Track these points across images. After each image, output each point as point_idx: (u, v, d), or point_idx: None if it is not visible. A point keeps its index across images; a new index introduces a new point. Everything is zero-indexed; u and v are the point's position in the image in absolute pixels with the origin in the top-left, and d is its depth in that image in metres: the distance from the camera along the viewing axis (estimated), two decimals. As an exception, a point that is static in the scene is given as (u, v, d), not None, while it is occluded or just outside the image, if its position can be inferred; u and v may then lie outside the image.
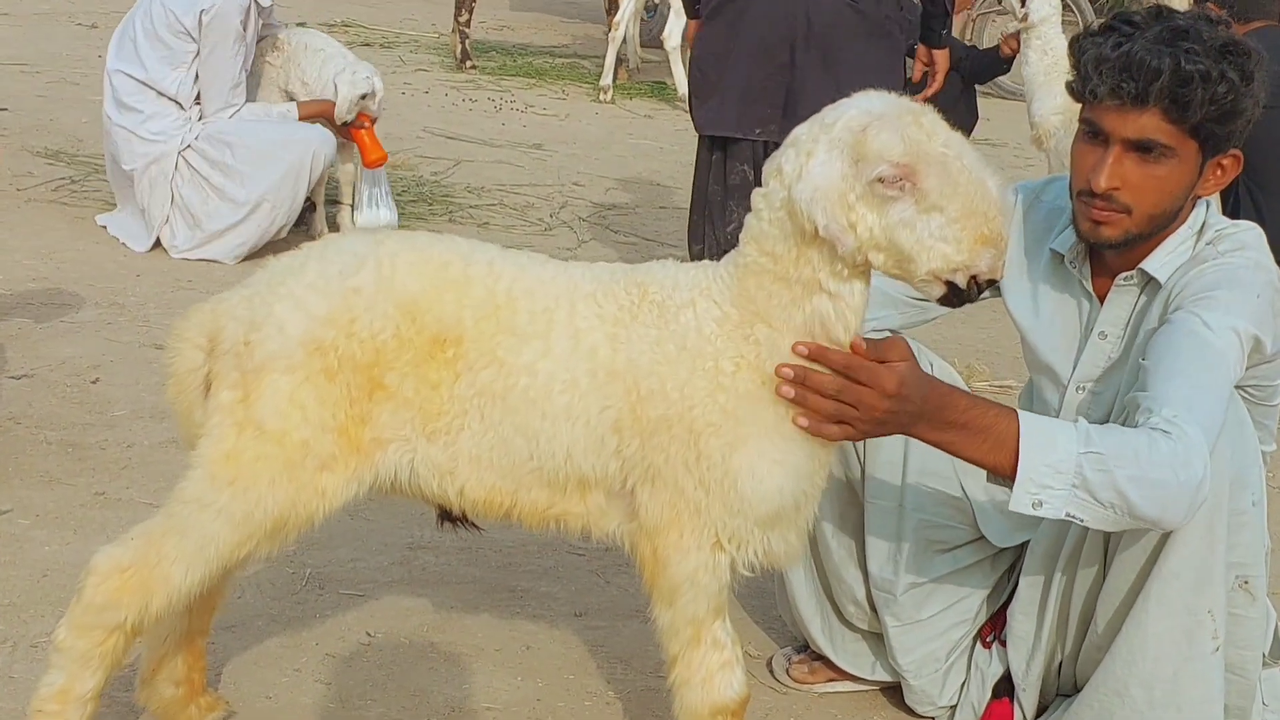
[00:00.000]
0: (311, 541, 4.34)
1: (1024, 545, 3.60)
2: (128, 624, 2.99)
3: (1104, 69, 3.18)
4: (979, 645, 3.70)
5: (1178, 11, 3.28)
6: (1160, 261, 3.33)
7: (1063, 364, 3.50)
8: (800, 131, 2.87)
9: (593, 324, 2.97)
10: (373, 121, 7.44)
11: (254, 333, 2.95)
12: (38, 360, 5.56)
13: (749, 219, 2.93)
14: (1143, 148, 3.20)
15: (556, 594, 4.21)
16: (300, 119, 7.32)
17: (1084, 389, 3.46)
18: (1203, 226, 3.36)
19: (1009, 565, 3.69)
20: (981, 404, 3.00)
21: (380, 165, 7.49)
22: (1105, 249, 3.35)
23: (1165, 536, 3.13)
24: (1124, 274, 3.38)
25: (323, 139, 7.16)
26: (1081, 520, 2.95)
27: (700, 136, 5.77)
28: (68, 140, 8.85)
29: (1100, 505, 2.91)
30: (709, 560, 3.01)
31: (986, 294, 3.55)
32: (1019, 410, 3.01)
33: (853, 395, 2.86)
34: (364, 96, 7.35)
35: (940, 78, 6.30)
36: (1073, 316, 3.50)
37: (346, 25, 14.27)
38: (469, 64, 12.54)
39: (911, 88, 6.22)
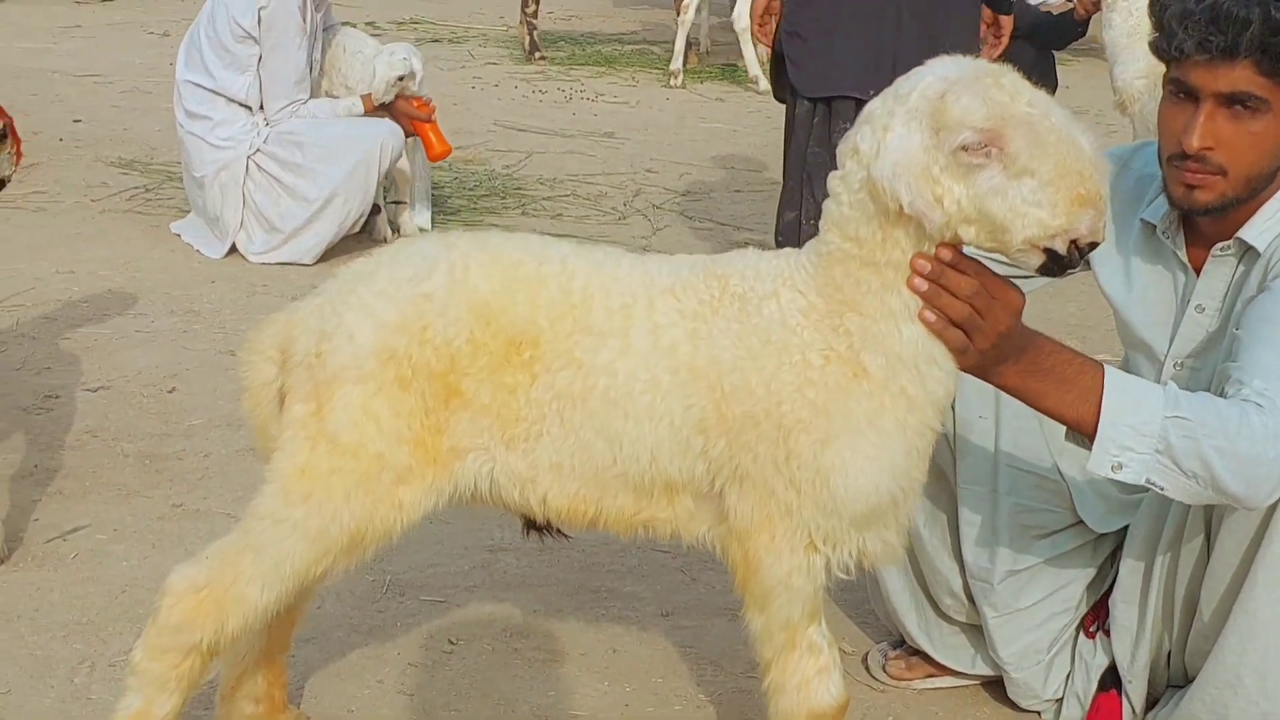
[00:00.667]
0: (390, 547, 4.22)
1: (1125, 530, 3.47)
2: (204, 645, 2.92)
3: (1189, 23, 3.04)
4: (1082, 635, 3.57)
5: None
6: (1258, 229, 3.18)
7: (1159, 339, 3.37)
8: (874, 106, 2.75)
9: (673, 319, 2.86)
10: (431, 109, 7.37)
11: (325, 343, 2.87)
12: (114, 371, 5.53)
13: (827, 204, 2.81)
14: (1236, 101, 3.06)
15: (641, 594, 4.11)
16: (366, 112, 7.25)
17: (1182, 365, 3.32)
18: None
19: (1111, 551, 3.55)
20: (1068, 352, 2.89)
21: (444, 158, 7.42)
22: (1200, 215, 3.21)
23: (1270, 516, 3.00)
24: (1220, 244, 3.23)
25: (390, 131, 7.11)
26: (1162, 488, 2.84)
27: (795, 101, 5.62)
28: (141, 149, 8.85)
29: (1183, 474, 2.80)
30: (803, 562, 2.91)
31: (1086, 262, 3.46)
32: (1106, 365, 2.89)
33: (984, 302, 2.73)
34: (401, 78, 7.25)
35: (1004, 40, 6.12)
36: (1168, 289, 3.36)
37: (415, 22, 14.25)
38: (538, 55, 12.46)
39: None
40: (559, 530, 3.10)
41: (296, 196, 7.02)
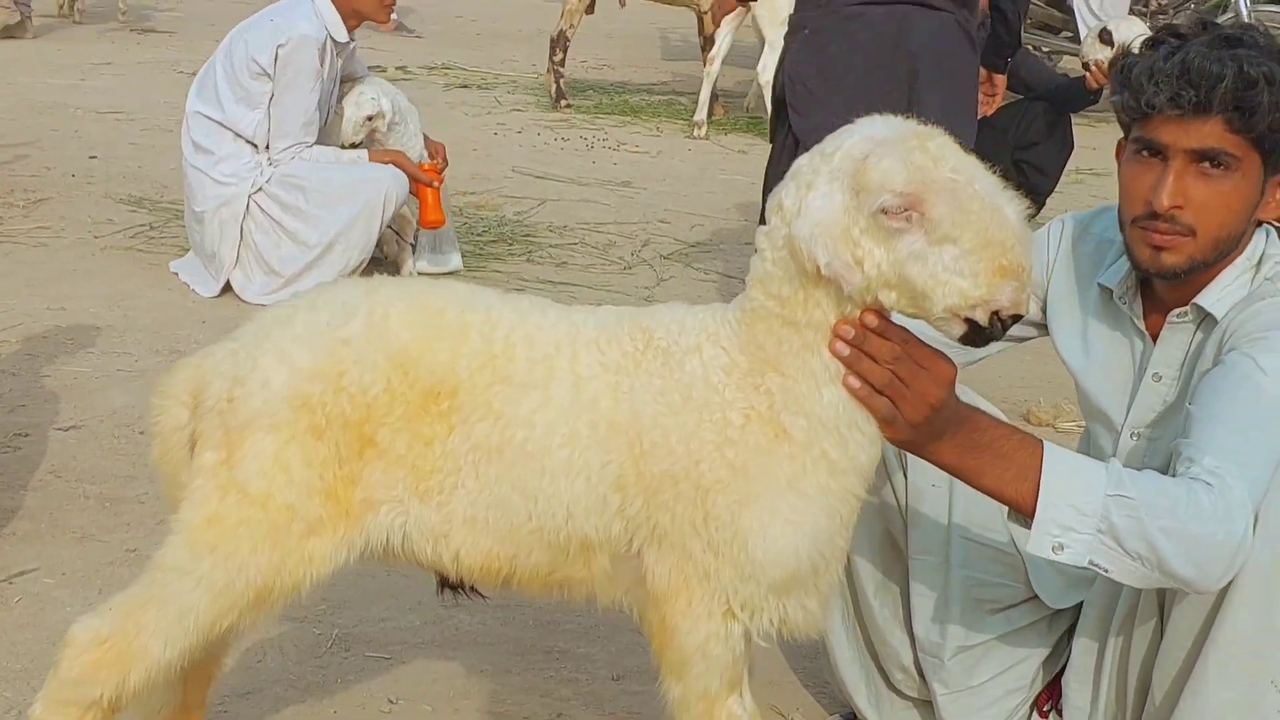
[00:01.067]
0: (343, 600, 4.18)
1: (1081, 606, 3.34)
2: (104, 700, 2.83)
3: (1160, 79, 2.94)
4: (1035, 714, 3.44)
5: (1220, 23, 3.04)
6: (1216, 296, 3.07)
7: (1116, 409, 3.24)
8: (802, 162, 2.65)
9: (595, 372, 2.76)
10: (441, 177, 7.29)
11: (238, 388, 2.78)
12: (89, 410, 5.45)
13: (753, 260, 2.71)
14: (1206, 158, 2.95)
15: (595, 656, 3.99)
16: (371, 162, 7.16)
17: (1139, 435, 3.20)
18: (1262, 258, 3.10)
19: (1067, 627, 3.42)
20: (1005, 427, 2.77)
21: (436, 228, 7.30)
22: (1167, 279, 3.08)
23: (1221, 599, 2.86)
24: (1178, 310, 3.11)
25: (394, 178, 7.01)
26: (1106, 571, 2.70)
27: (780, 140, 5.45)
28: (152, 187, 8.80)
29: (1128, 556, 2.67)
30: (720, 629, 2.79)
31: (1032, 334, 3.34)
32: (1046, 442, 2.76)
33: (908, 371, 2.61)
34: (370, 117, 7.17)
35: (998, 98, 6.37)
36: (1125, 357, 3.24)
37: (447, 68, 14.21)
38: (564, 103, 12.39)
39: None
40: (474, 589, 2.99)
41: (297, 241, 6.95)
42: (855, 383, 2.64)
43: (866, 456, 2.72)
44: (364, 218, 6.96)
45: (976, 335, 2.58)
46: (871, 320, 2.61)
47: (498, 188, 9.42)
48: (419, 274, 7.32)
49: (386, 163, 7.13)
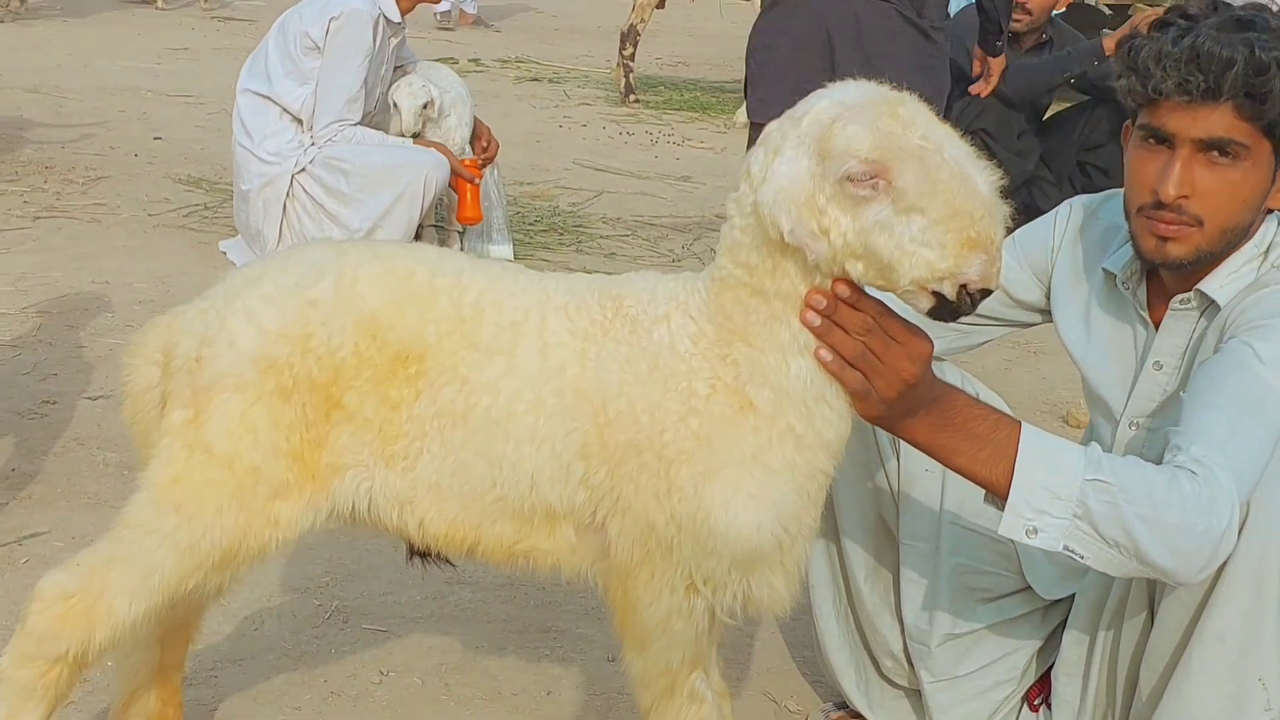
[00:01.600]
0: (347, 573, 4.17)
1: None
2: (70, 655, 2.80)
3: (1168, 63, 2.82)
4: (1026, 708, 3.37)
5: (1231, 4, 2.94)
6: (1220, 282, 2.97)
7: (1116, 397, 3.15)
8: (771, 128, 2.58)
9: (563, 339, 2.72)
10: (480, 173, 7.26)
11: (206, 348, 2.76)
12: (119, 381, 5.43)
13: (723, 227, 2.65)
14: (1214, 147, 2.85)
15: (592, 636, 3.95)
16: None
17: (1138, 424, 3.11)
18: (1270, 245, 2.99)
19: (1061, 620, 3.34)
20: (983, 407, 2.69)
21: (472, 224, 7.28)
22: (1173, 269, 2.98)
23: (1208, 594, 2.78)
24: (1180, 296, 3.02)
25: (436, 162, 6.98)
26: (1082, 558, 2.61)
27: (752, 124, 5.73)
28: (211, 169, 8.85)
29: (1104, 543, 2.58)
30: (683, 604, 2.74)
31: (1036, 320, 3.26)
32: (1024, 424, 2.68)
33: (880, 344, 2.54)
34: (425, 105, 7.14)
35: (994, 80, 6.76)
36: (1127, 344, 3.15)
37: (519, 61, 14.23)
38: (632, 98, 12.36)
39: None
40: (443, 557, 2.96)
41: (339, 224, 6.95)
42: (827, 355, 2.57)
43: (834, 432, 2.65)
44: (405, 202, 6.93)
45: (944, 309, 2.50)
46: (843, 290, 2.54)
47: (556, 179, 9.41)
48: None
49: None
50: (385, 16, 6.96)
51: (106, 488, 4.59)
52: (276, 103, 7.01)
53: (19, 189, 7.99)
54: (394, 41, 7.19)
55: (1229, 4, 2.95)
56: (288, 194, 6.97)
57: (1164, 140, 2.89)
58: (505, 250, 7.54)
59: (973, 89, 6.87)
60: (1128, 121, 3.02)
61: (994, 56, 6.58)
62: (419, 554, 2.97)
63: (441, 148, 7.13)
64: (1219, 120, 2.83)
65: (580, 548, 2.81)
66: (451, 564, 3.01)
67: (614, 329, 2.71)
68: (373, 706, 3.57)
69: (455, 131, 7.32)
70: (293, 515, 2.79)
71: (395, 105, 7.17)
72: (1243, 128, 2.83)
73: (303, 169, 6.96)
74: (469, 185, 7.15)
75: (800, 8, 5.66)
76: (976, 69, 6.75)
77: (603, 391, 2.68)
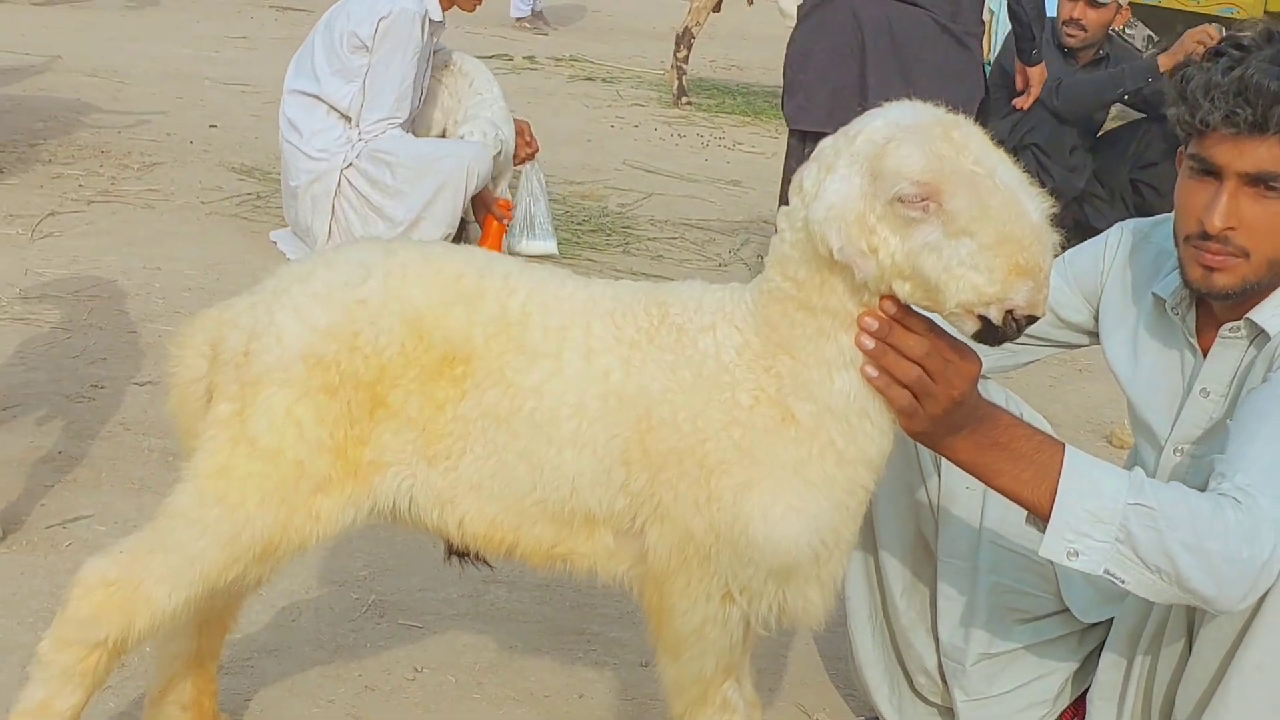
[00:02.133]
0: (385, 567, 4.19)
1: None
2: (110, 641, 2.82)
3: (1216, 95, 2.82)
4: (1059, 730, 3.37)
5: None
6: (1271, 311, 2.96)
7: (1161, 422, 3.15)
8: (825, 145, 2.59)
9: (608, 345, 2.73)
10: (510, 215, 7.35)
11: (254, 342, 2.78)
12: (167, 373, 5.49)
13: (773, 240, 2.66)
14: (1261, 181, 2.84)
15: (626, 641, 3.95)
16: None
17: (1182, 450, 3.10)
18: None
19: (1100, 643, 3.33)
20: (1026, 427, 2.69)
21: None
22: (1219, 300, 2.98)
23: (1249, 622, 2.77)
24: (1229, 324, 3.02)
25: (477, 154, 7.04)
26: (1123, 582, 2.61)
27: (790, 131, 6.06)
28: (266, 158, 8.88)
29: (1145, 568, 2.58)
30: (718, 612, 2.75)
31: (1084, 342, 3.26)
32: (1068, 445, 2.68)
33: (937, 364, 2.54)
34: (496, 155, 7.22)
35: (1035, 91, 6.76)
36: (1174, 370, 3.14)
37: (574, 60, 14.25)
38: (685, 100, 12.36)
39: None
40: (482, 559, 2.97)
41: (384, 217, 6.98)
42: (873, 371, 2.58)
43: (876, 448, 2.66)
44: (448, 192, 6.96)
45: (990, 334, 2.50)
46: (890, 307, 2.54)
47: (605, 179, 9.42)
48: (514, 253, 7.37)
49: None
50: (429, 16, 7.02)
51: (151, 473, 4.62)
52: (324, 101, 7.06)
53: (75, 172, 8.05)
54: (435, 39, 7.24)
55: None
56: (336, 190, 7.01)
57: (1211, 172, 2.89)
58: (549, 245, 7.54)
59: (1016, 102, 6.90)
60: (1181, 147, 3.02)
61: (1032, 66, 6.60)
62: (457, 553, 2.99)
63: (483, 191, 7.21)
64: (1266, 153, 2.83)
65: (618, 553, 2.82)
66: (489, 565, 3.02)
67: (659, 336, 2.72)
68: (406, 703, 3.58)
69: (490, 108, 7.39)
70: (334, 510, 2.80)
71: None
72: None
73: (349, 164, 7.00)
74: (496, 223, 7.23)
75: (835, 15, 5.82)
76: (1019, 83, 6.78)
77: (646, 398, 2.69)
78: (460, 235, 7.31)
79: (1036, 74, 6.66)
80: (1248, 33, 2.95)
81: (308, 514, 2.79)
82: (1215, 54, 2.90)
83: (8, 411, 4.90)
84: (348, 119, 7.05)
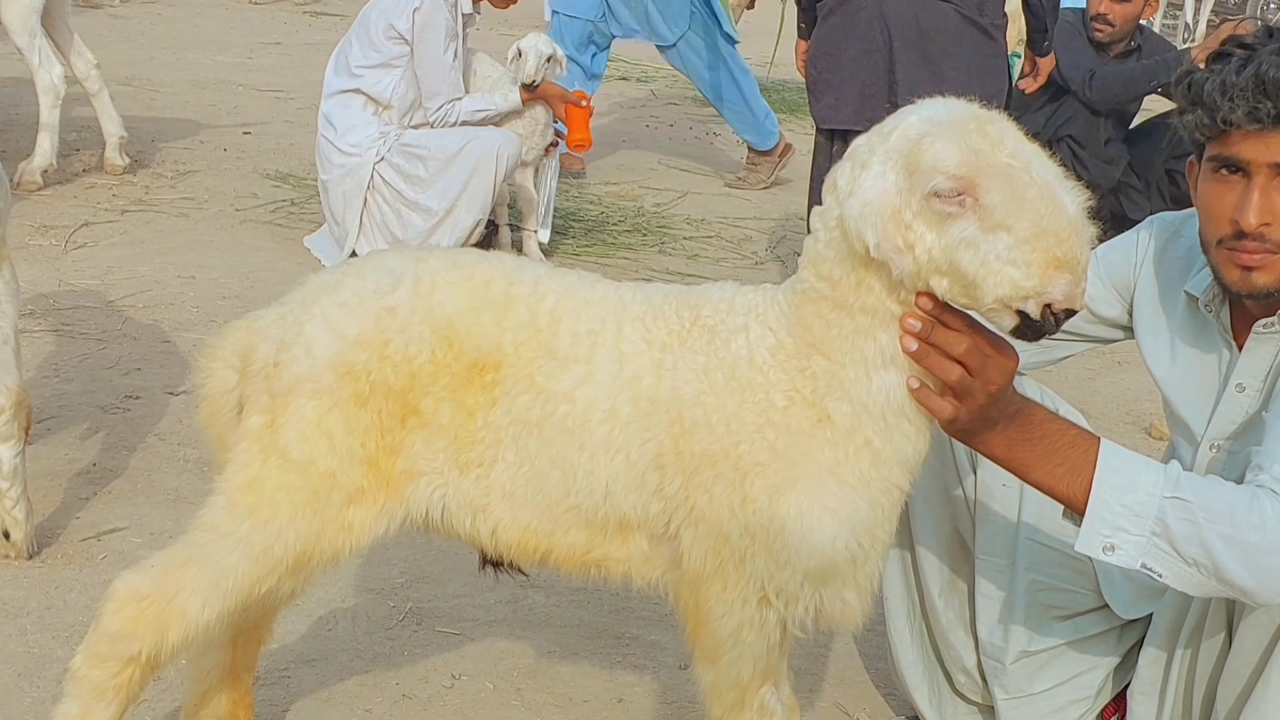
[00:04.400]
0: (421, 574, 4.18)
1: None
2: (143, 656, 2.81)
3: (1235, 93, 2.80)
4: (1101, 726, 3.33)
5: None
6: None
7: (1197, 419, 3.11)
8: (859, 142, 2.58)
9: (639, 349, 2.71)
10: (588, 99, 7.46)
11: (283, 353, 2.77)
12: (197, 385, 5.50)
13: (806, 240, 2.64)
14: None
15: (665, 643, 3.94)
16: (523, 101, 7.31)
17: (1219, 447, 3.07)
18: None
19: (1138, 639, 3.30)
20: (1062, 422, 2.68)
21: (583, 149, 7.46)
22: (1261, 299, 2.94)
23: None
24: (1264, 320, 2.98)
25: (506, 139, 7.11)
26: (1160, 576, 2.59)
27: (818, 129, 6.14)
28: (300, 164, 8.89)
29: (1183, 561, 2.56)
30: (755, 616, 2.73)
31: (1118, 337, 3.23)
32: (1103, 439, 2.66)
33: (977, 361, 2.52)
34: (549, 58, 7.33)
35: (1042, 78, 6.82)
36: (1211, 366, 3.11)
37: (609, 60, 14.17)
38: (720, 98, 12.31)
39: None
40: (517, 567, 2.96)
41: (419, 209, 7.04)
42: (915, 384, 2.58)
43: (912, 448, 2.64)
44: (479, 178, 7.01)
45: (1028, 328, 2.48)
46: (927, 304, 2.52)
47: (641, 179, 9.40)
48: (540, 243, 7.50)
49: (537, 97, 7.31)
50: (459, 5, 7.08)
51: (186, 484, 4.62)
52: (363, 93, 7.10)
53: (108, 182, 8.06)
54: (467, 31, 7.27)
55: None
56: (369, 184, 7.05)
57: (1238, 169, 2.86)
58: (544, 234, 7.61)
59: (1020, 83, 6.89)
60: (1191, 158, 2.99)
61: (1041, 56, 6.62)
62: (491, 563, 2.97)
63: (547, 84, 7.33)
64: None
65: (653, 557, 2.80)
66: (524, 573, 3.01)
67: (691, 339, 2.70)
68: (444, 711, 3.57)
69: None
70: (367, 521, 2.79)
71: (520, 53, 7.36)
72: None
73: (382, 158, 7.05)
74: (577, 109, 7.36)
75: (860, 12, 5.85)
76: (1027, 67, 6.82)
77: (679, 402, 2.67)
78: (493, 236, 7.34)
79: (1045, 64, 6.71)
80: (1248, 31, 2.94)
81: (340, 525, 2.78)
82: (1220, 56, 2.88)
83: (43, 425, 4.90)
84: (388, 110, 7.10)
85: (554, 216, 7.88)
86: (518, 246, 7.49)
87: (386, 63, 7.05)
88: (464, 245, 6.97)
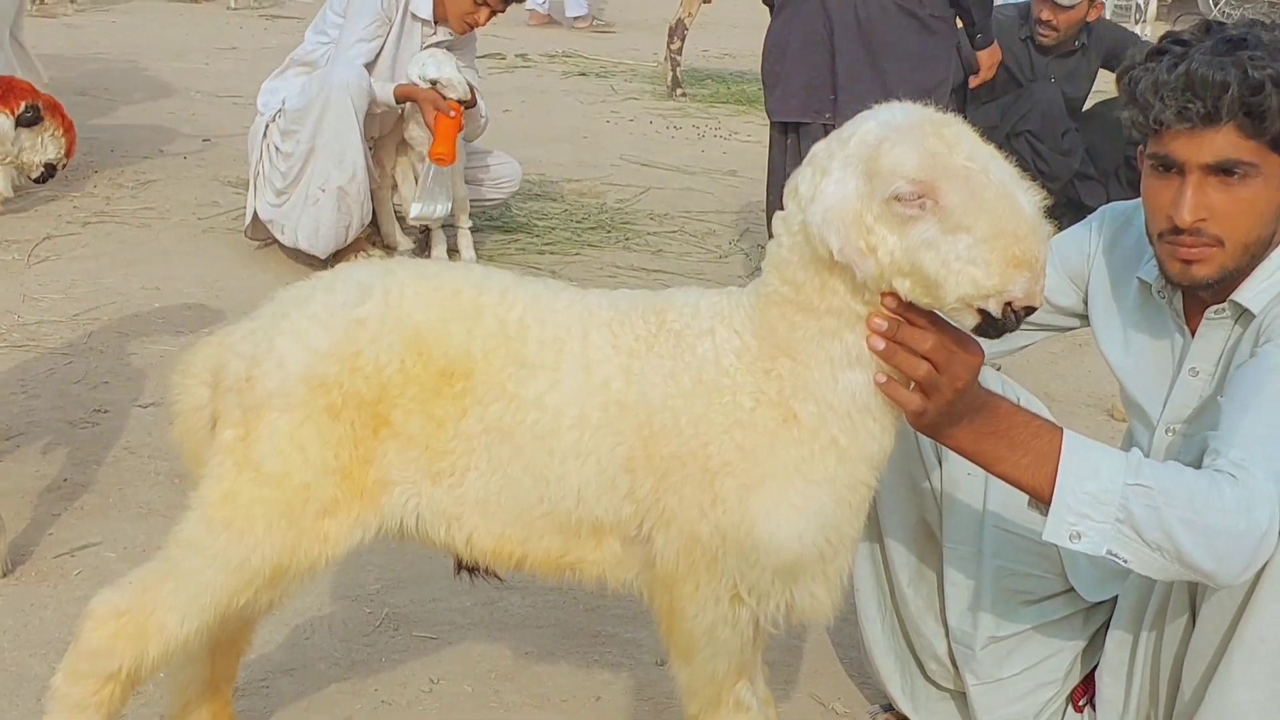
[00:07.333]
0: (397, 580, 4.21)
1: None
2: (123, 673, 2.85)
3: (1165, 93, 2.87)
4: (1070, 708, 3.38)
5: (1225, 24, 2.96)
6: (1253, 291, 3.00)
7: (1152, 403, 3.18)
8: (818, 148, 2.63)
9: (606, 354, 2.75)
10: (461, 111, 7.05)
11: (255, 368, 2.80)
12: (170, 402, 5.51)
13: (769, 245, 2.69)
14: (1223, 170, 2.89)
15: (641, 640, 3.98)
16: (397, 99, 7.08)
17: (1174, 430, 3.14)
18: None
19: (1105, 621, 3.35)
20: (1025, 414, 2.73)
21: (441, 164, 7.03)
22: (1201, 290, 3.02)
23: (1249, 594, 2.80)
24: (1215, 306, 3.05)
25: (354, 71, 6.90)
26: (1125, 561, 2.65)
27: (772, 124, 6.28)
28: (260, 171, 8.87)
29: (1146, 546, 2.61)
30: (728, 614, 2.78)
31: (1074, 324, 3.28)
32: (1065, 430, 2.71)
33: (943, 357, 2.57)
34: (434, 82, 6.97)
35: (987, 72, 6.84)
36: (1164, 352, 3.18)
37: (566, 55, 14.23)
38: (679, 91, 12.35)
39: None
40: (492, 572, 2.99)
41: (283, 154, 7.05)
42: (883, 378, 2.62)
43: (878, 445, 2.69)
44: (331, 112, 6.87)
45: (990, 326, 2.54)
46: (891, 302, 2.57)
47: (603, 175, 9.42)
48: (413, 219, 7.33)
49: (409, 96, 7.05)
50: (412, 12, 7.06)
51: (158, 497, 4.64)
52: (298, 61, 7.24)
53: (69, 194, 8.05)
54: (431, 39, 7.16)
55: (1221, 24, 2.99)
56: (263, 137, 7.15)
57: (1173, 167, 2.92)
58: (443, 209, 7.29)
59: (972, 81, 6.92)
60: (1140, 146, 3.05)
61: (980, 50, 6.69)
62: (467, 568, 3.01)
63: (412, 88, 7.03)
64: (1223, 143, 2.88)
65: (626, 559, 2.85)
66: (499, 578, 3.05)
67: (658, 344, 2.74)
68: (423, 715, 3.61)
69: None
70: (342, 532, 2.83)
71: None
72: (1247, 146, 2.88)
73: (273, 117, 7.12)
74: (444, 119, 6.91)
75: (804, 5, 6.02)
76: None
77: (647, 406, 2.71)
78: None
79: (984, 57, 6.77)
80: (1186, 28, 2.99)
81: (316, 536, 2.81)
82: (1157, 53, 2.94)
83: (11, 441, 4.93)
84: (306, 65, 7.20)
85: (516, 215, 7.96)
86: (452, 244, 7.47)
87: (325, 33, 7.15)
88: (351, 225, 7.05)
